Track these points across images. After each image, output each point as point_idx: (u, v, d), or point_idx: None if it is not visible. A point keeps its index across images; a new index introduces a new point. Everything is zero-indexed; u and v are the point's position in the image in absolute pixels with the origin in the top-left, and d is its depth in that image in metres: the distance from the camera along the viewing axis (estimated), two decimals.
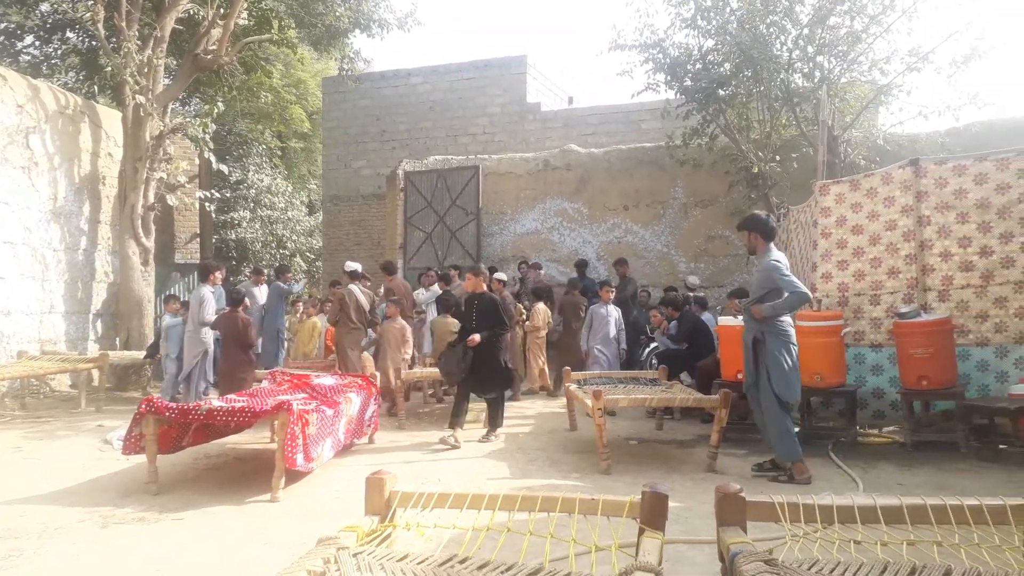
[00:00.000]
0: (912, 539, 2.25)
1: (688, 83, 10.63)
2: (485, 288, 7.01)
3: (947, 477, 5.42)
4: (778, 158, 10.49)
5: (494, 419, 7.05)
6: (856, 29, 9.68)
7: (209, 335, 8.26)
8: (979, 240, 6.54)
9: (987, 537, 2.23)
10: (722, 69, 10.51)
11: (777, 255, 5.51)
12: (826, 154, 8.64)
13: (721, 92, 10.52)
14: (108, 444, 6.77)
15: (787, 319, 5.49)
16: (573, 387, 7.11)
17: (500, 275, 10.51)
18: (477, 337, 6.70)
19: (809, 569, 2.10)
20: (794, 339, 5.47)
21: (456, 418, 6.82)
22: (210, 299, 8.33)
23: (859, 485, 5.23)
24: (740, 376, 6.71)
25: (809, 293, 5.53)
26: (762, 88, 10.17)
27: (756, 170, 10.41)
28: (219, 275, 8.80)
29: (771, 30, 10.04)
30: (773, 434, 5.44)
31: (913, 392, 6.25)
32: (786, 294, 5.33)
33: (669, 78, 10.73)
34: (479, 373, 6.81)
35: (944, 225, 6.67)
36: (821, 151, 8.53)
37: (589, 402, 5.84)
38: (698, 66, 10.56)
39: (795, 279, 5.39)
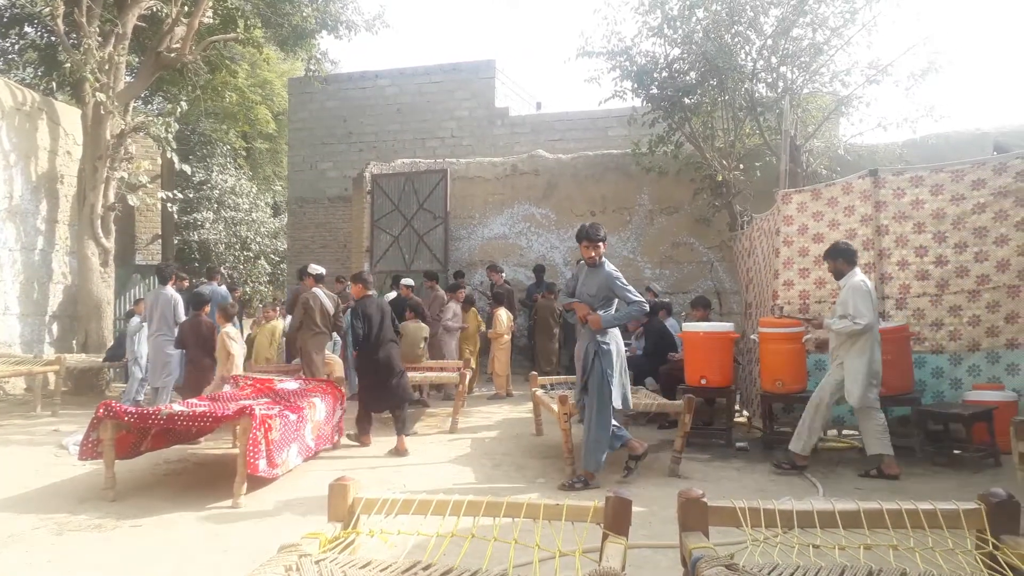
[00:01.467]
0: (869, 543, 2.29)
1: (654, 91, 10.74)
2: (370, 293, 6.73)
3: (903, 482, 5.53)
4: (742, 166, 10.65)
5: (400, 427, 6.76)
6: (818, 41, 9.87)
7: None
8: (935, 250, 6.71)
9: (941, 541, 2.28)
10: (688, 78, 10.64)
11: (611, 265, 5.67)
12: (788, 163, 8.79)
13: (687, 100, 10.65)
14: (64, 449, 6.60)
15: (616, 330, 5.62)
16: (539, 392, 7.13)
17: (407, 280, 10.47)
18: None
19: (769, 573, 2.13)
20: (621, 349, 5.62)
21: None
22: (180, 300, 8.23)
23: (819, 490, 5.32)
24: (703, 381, 6.80)
25: (646, 305, 5.68)
26: (727, 97, 10.31)
27: (720, 178, 10.55)
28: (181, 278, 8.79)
29: (736, 40, 10.19)
30: (589, 440, 5.45)
31: None
32: (627, 305, 5.51)
33: (636, 86, 10.82)
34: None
35: (901, 235, 6.83)
36: (784, 160, 8.68)
37: (555, 407, 5.86)
38: (664, 74, 10.67)
39: (634, 289, 5.59)
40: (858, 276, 5.78)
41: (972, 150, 10.26)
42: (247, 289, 19.08)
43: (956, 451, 6.16)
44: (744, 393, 8.16)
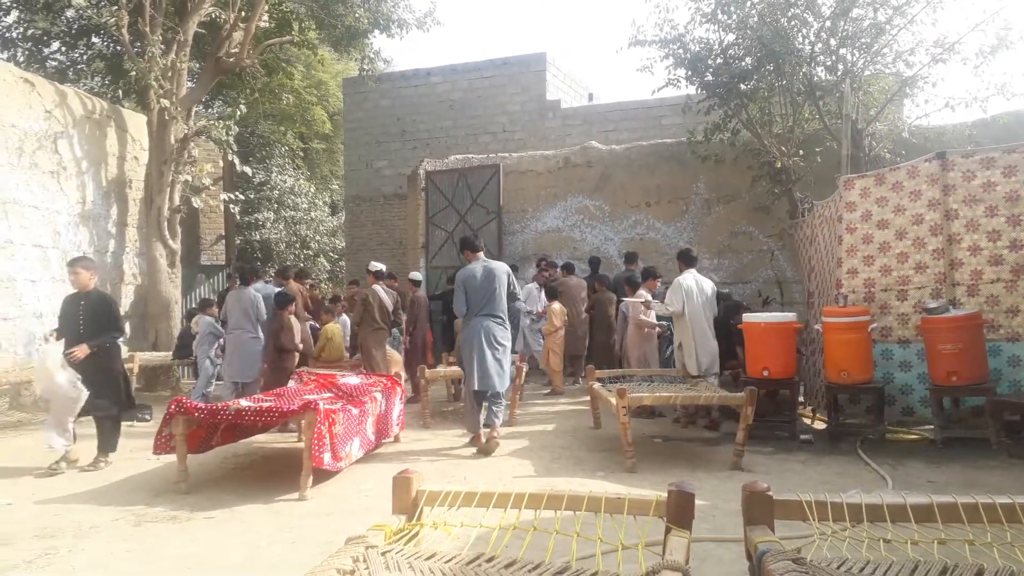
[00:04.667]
0: (943, 538, 2.22)
1: (709, 78, 10.55)
2: (92, 285, 6.19)
3: (978, 474, 5.34)
4: (801, 152, 10.38)
5: (105, 441, 6.22)
6: (880, 21, 9.54)
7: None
8: (1009, 233, 6.44)
9: (1020, 536, 2.20)
10: (743, 63, 10.41)
11: (472, 267, 6.71)
12: (850, 148, 8.54)
13: (743, 87, 10.43)
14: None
15: (468, 326, 6.69)
16: (597, 386, 7.10)
17: (415, 275, 10.51)
18: (85, 348, 5.89)
19: (838, 568, 2.08)
20: (470, 340, 6.60)
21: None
22: (261, 298, 8.56)
23: (888, 483, 5.18)
24: (766, 373, 6.68)
25: (461, 309, 6.68)
26: (784, 82, 10.06)
27: (779, 165, 10.30)
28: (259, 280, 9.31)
29: (793, 23, 9.93)
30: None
31: (942, 388, 6.17)
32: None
33: (690, 73, 10.65)
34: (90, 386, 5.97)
35: (972, 219, 6.58)
36: (845, 145, 8.44)
37: (613, 401, 5.84)
38: (719, 61, 10.47)
39: (459, 294, 6.66)
40: (683, 275, 7.49)
41: None
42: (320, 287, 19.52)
43: None
44: (808, 384, 8.00)
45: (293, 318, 8.25)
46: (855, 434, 6.55)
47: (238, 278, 9.20)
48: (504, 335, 6.69)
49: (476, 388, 6.52)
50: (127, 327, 11.67)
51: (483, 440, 6.51)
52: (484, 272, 6.67)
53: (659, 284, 8.99)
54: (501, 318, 6.69)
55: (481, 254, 6.89)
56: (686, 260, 7.69)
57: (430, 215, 13.56)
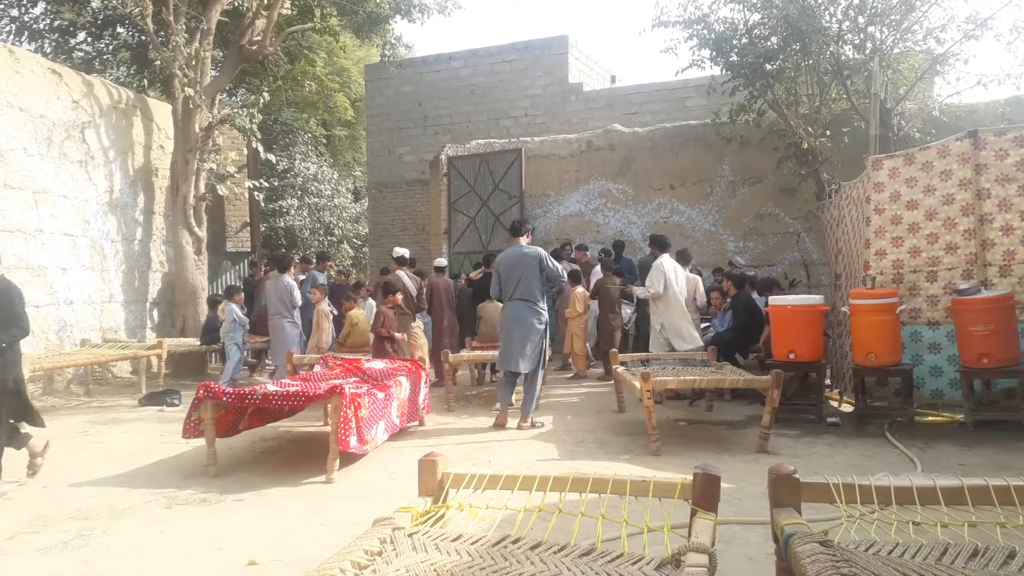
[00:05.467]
0: (973, 520, 2.20)
1: (734, 58, 10.40)
2: None
3: (1010, 457, 5.27)
4: (828, 133, 10.22)
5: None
6: None
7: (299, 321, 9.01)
8: None
9: None
10: (769, 43, 10.26)
11: (508, 251, 7.04)
12: (879, 128, 8.39)
13: (768, 67, 10.27)
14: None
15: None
16: (621, 369, 7.09)
17: (439, 261, 10.67)
18: None
19: (867, 551, 2.07)
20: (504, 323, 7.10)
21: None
22: (296, 286, 9.03)
23: (917, 465, 5.12)
24: (792, 356, 6.63)
25: (495, 291, 7.11)
26: (811, 61, 9.90)
27: (806, 146, 10.15)
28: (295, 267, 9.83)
29: (819, 1, 9.75)
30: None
31: (973, 370, 6.08)
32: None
33: (714, 54, 10.51)
34: None
35: (1005, 198, 6.44)
36: (873, 125, 8.29)
37: (637, 384, 5.82)
38: (744, 41, 10.32)
39: (494, 277, 7.06)
40: (661, 258, 7.90)
41: None
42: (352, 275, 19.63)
43: None
44: (835, 367, 7.92)
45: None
46: (883, 417, 6.48)
47: (271, 265, 9.45)
48: (534, 318, 6.80)
49: (497, 367, 7.12)
50: (155, 314, 11.84)
51: (506, 422, 6.79)
52: (515, 257, 6.89)
53: (690, 267, 8.99)
54: (531, 301, 6.81)
55: (522, 239, 7.03)
56: (660, 245, 8.10)
57: (452, 200, 13.57)
